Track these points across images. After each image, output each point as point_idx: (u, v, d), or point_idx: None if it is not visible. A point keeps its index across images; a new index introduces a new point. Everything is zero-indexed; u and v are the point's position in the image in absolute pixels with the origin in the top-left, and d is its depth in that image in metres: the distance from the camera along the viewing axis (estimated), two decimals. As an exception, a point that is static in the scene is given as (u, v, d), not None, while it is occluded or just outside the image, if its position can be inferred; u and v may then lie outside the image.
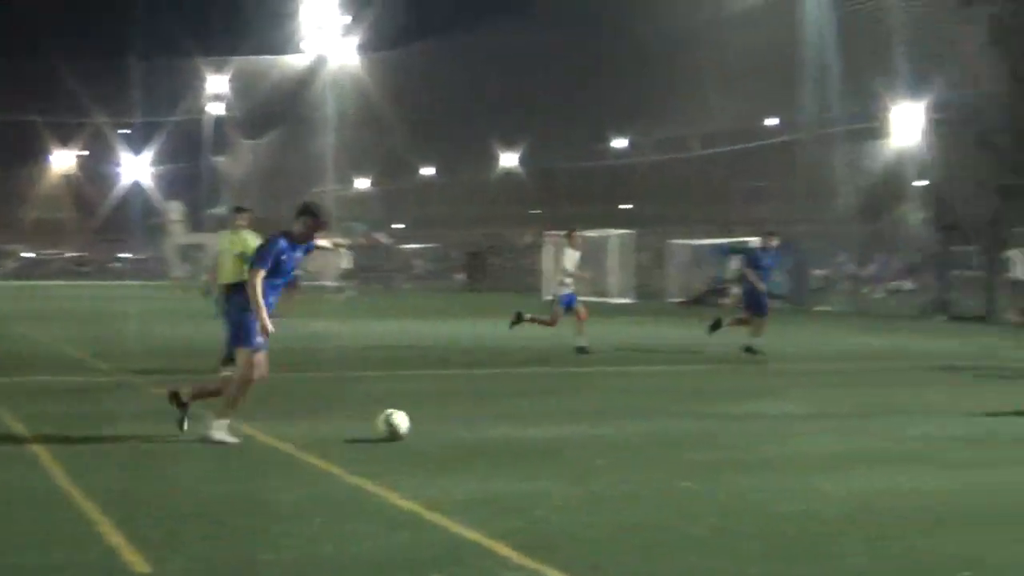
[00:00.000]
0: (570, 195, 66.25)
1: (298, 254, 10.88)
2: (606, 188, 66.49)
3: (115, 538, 7.20)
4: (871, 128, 47.21)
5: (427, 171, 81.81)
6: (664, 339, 25.76)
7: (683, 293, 47.02)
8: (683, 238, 51.25)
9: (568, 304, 20.99)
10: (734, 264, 47.12)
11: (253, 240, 15.17)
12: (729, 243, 50.74)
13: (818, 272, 43.86)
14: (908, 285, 43.96)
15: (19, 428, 11.46)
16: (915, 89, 42.74)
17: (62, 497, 8.41)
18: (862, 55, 45.13)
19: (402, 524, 7.64)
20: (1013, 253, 34.55)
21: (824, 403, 14.48)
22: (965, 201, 39.31)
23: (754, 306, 20.97)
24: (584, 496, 8.60)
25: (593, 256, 50.73)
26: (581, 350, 20.71)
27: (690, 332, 24.99)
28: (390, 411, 10.86)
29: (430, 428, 11.41)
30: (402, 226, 79.96)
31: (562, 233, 23.09)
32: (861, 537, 7.46)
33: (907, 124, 43.72)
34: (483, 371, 18.56)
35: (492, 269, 63.36)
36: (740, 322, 21.31)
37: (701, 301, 44.51)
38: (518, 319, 21.67)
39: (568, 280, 20.97)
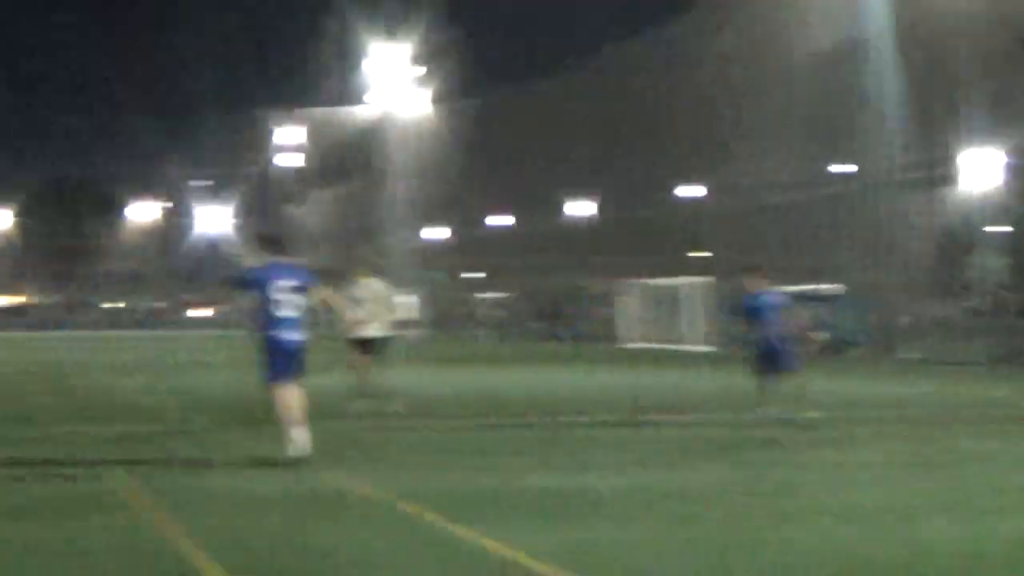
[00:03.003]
0: (644, 242, 65.78)
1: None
2: (681, 235, 65.83)
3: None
4: (941, 175, 46.68)
5: (501, 219, 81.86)
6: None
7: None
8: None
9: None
10: (805, 312, 46.73)
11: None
12: (798, 291, 50.38)
13: (901, 319, 43.01)
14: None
15: (121, 476, 11.85)
16: (990, 133, 42.19)
17: (167, 546, 8.62)
18: (932, 99, 44.66)
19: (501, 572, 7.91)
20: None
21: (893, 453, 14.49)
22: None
23: None
24: (680, 543, 8.78)
25: (668, 304, 50.73)
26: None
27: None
28: None
29: (527, 476, 11.85)
30: (482, 275, 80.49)
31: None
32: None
33: (980, 169, 43.19)
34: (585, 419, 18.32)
35: (568, 318, 63.25)
36: None
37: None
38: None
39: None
